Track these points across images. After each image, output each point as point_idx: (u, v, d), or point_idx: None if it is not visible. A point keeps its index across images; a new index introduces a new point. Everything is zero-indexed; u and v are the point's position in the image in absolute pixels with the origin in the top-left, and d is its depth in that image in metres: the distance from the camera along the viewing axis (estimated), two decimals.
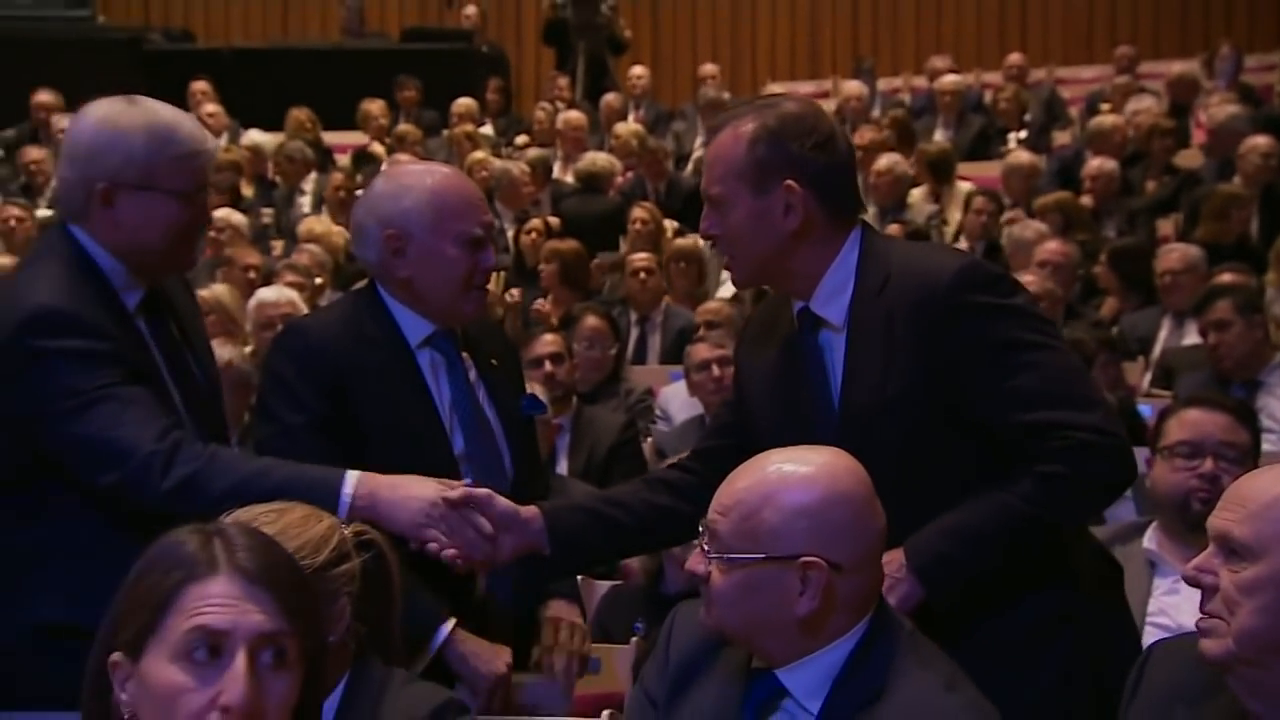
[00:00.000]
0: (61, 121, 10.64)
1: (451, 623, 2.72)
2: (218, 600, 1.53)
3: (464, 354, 2.93)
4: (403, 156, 9.77)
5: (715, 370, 5.17)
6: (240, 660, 1.51)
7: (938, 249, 2.67)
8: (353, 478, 2.54)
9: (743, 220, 2.51)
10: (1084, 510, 2.47)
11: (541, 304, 6.96)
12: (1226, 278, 5.83)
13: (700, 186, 2.62)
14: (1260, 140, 7.98)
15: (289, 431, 2.82)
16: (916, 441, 2.44)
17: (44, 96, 11.05)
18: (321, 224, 8.35)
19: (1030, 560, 2.43)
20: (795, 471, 2.11)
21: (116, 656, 1.56)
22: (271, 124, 10.82)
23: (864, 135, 9.34)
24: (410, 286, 2.85)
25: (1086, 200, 8.02)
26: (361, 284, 3.02)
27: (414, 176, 2.93)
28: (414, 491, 2.55)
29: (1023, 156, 8.65)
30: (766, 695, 2.14)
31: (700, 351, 5.30)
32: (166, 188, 2.68)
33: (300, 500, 2.28)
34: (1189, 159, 9.08)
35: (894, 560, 2.42)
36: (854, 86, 11.11)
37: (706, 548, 2.12)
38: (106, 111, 2.75)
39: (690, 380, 5.37)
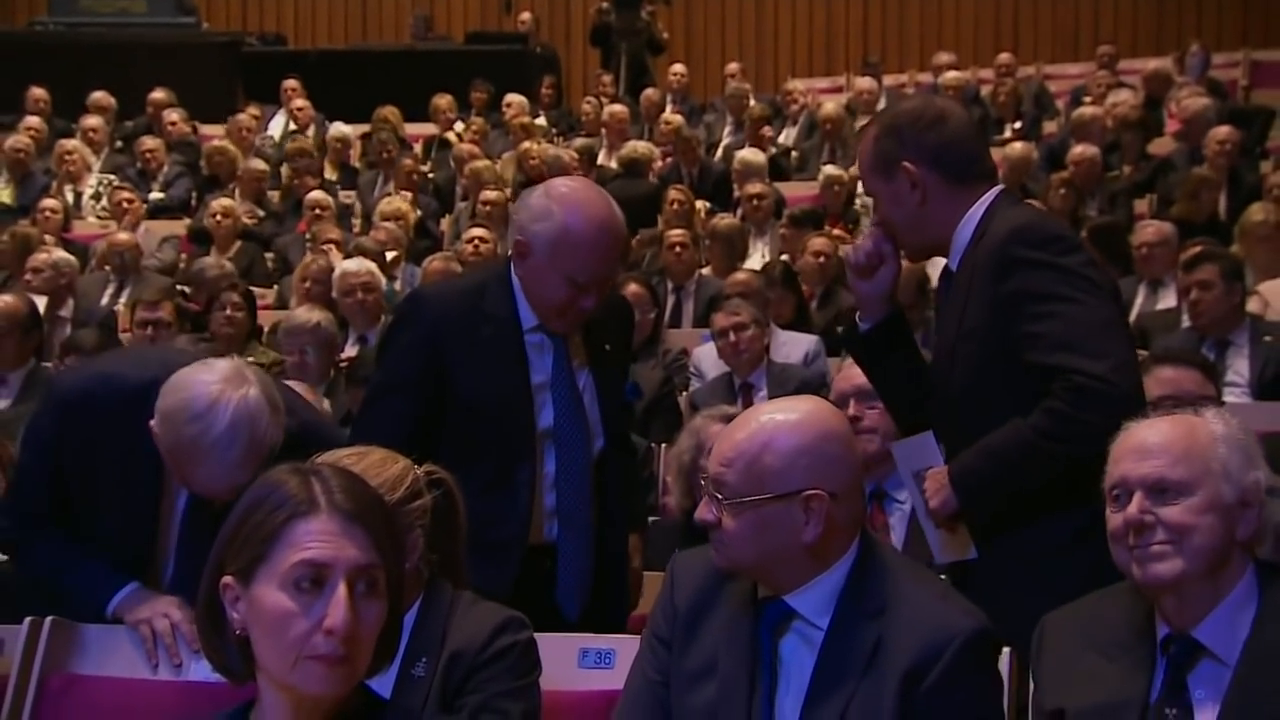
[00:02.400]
0: (171, 115, 10.71)
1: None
2: (320, 536, 1.54)
3: (576, 338, 2.90)
4: (465, 145, 9.79)
5: (732, 336, 5.15)
6: (341, 590, 1.52)
7: (1030, 213, 2.70)
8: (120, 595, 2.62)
9: (887, 206, 2.64)
10: (1079, 445, 2.40)
11: None
12: (1205, 248, 5.75)
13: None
14: (1223, 129, 7.92)
15: (379, 387, 2.89)
16: (980, 375, 2.52)
17: (158, 95, 11.06)
18: (399, 202, 8.32)
19: (1053, 483, 2.46)
20: (786, 419, 2.12)
21: (228, 579, 1.58)
22: (353, 116, 10.83)
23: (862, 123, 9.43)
24: (524, 284, 2.85)
25: (1075, 182, 7.92)
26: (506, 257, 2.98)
27: (562, 203, 2.82)
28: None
29: (1018, 148, 8.53)
30: (778, 618, 2.14)
31: (718, 320, 5.27)
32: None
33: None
34: (1162, 146, 8.98)
35: (942, 472, 2.51)
36: (865, 82, 11.04)
37: (718, 496, 2.12)
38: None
39: (715, 344, 5.36)
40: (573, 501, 2.86)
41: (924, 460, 2.59)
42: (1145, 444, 2.06)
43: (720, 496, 2.11)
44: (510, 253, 2.90)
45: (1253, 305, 5.54)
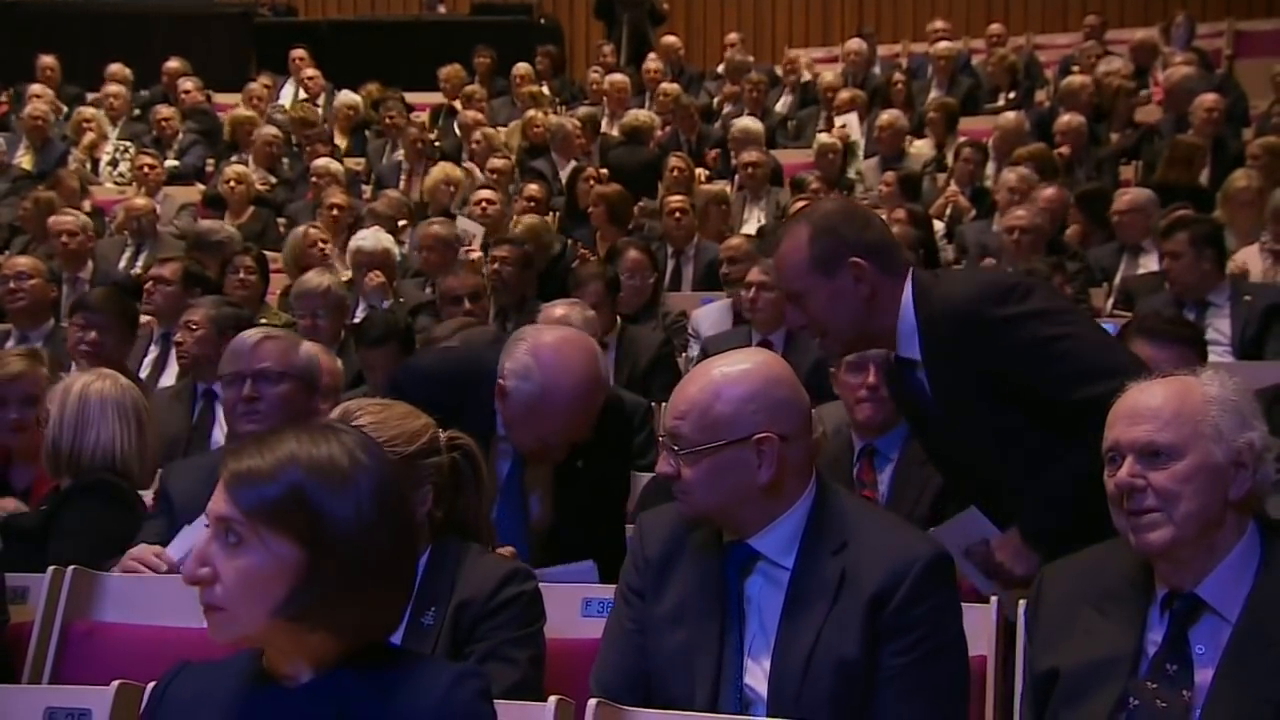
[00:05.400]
0: (186, 84, 10.65)
1: None
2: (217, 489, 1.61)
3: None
4: (470, 113, 9.73)
5: (752, 292, 5.05)
6: (207, 537, 1.59)
7: (963, 279, 2.73)
8: None
9: (824, 303, 2.57)
10: None
11: (584, 251, 6.93)
12: (1179, 215, 5.75)
13: (780, 290, 2.72)
14: (1209, 97, 7.88)
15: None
16: (996, 430, 2.54)
17: (173, 64, 10.99)
18: (443, 169, 8.11)
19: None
20: (734, 369, 2.18)
21: None
22: (361, 86, 10.78)
23: (844, 95, 9.48)
24: (501, 416, 2.83)
25: (1064, 150, 7.87)
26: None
27: (542, 366, 2.79)
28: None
29: (1010, 117, 8.47)
30: (743, 560, 2.19)
31: (751, 274, 5.15)
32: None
33: None
34: (1148, 114, 8.93)
35: (1010, 538, 2.55)
36: (854, 43, 10.93)
37: (675, 448, 2.16)
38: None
39: (741, 294, 5.25)
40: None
41: (973, 535, 2.62)
42: (1137, 408, 2.03)
43: (677, 448, 2.16)
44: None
45: (1234, 268, 5.54)
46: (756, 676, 2.13)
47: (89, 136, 9.54)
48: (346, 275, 6.12)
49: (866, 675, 2.07)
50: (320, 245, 6.40)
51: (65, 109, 10.21)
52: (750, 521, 2.17)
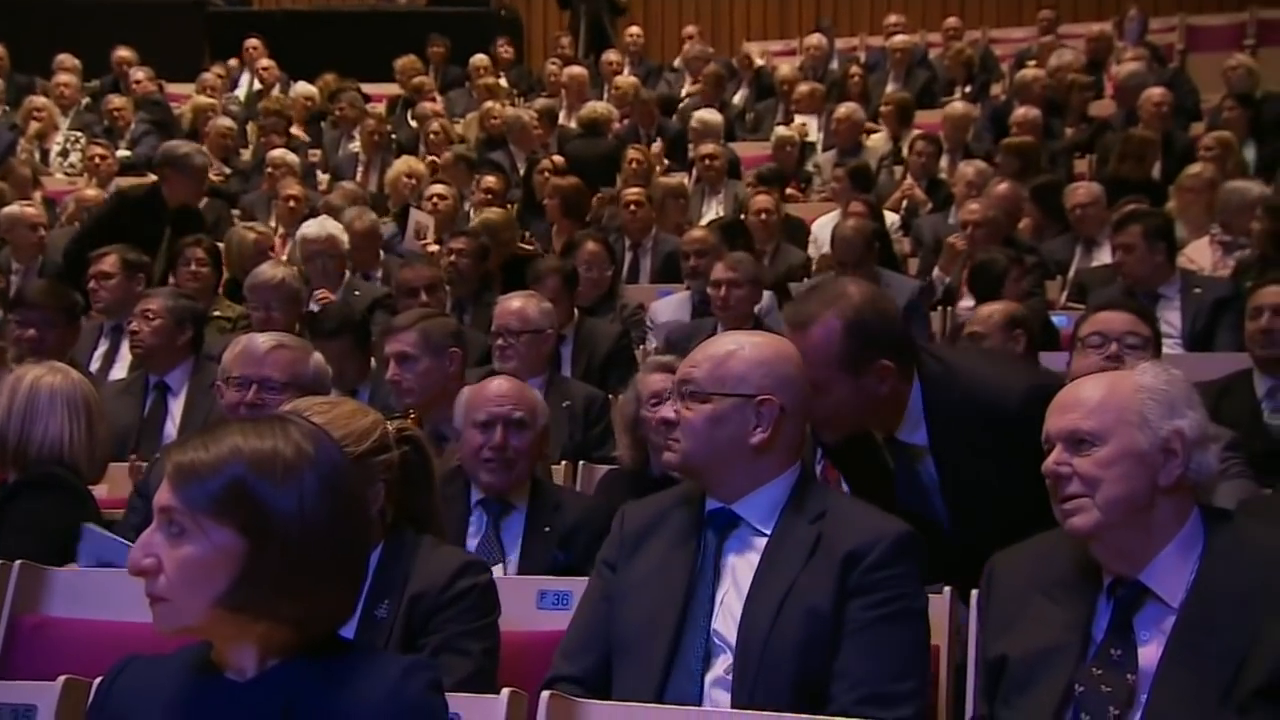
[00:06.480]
0: (137, 74, 10.53)
1: None
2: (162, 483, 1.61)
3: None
4: (428, 104, 9.67)
5: (723, 290, 5.09)
6: (151, 527, 1.59)
7: (993, 374, 2.69)
8: None
9: (845, 398, 2.55)
10: None
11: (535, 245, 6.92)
12: (1131, 208, 5.81)
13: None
14: (1157, 91, 7.98)
15: None
16: (1015, 507, 2.46)
17: (123, 52, 10.86)
18: (405, 162, 8.08)
19: None
20: (751, 338, 2.37)
21: None
22: (317, 77, 10.69)
23: (802, 89, 9.54)
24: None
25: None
26: None
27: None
28: None
29: (958, 108, 8.55)
30: (724, 524, 2.29)
31: (717, 270, 5.19)
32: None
33: None
34: (1102, 108, 9.01)
35: None
36: (814, 39, 10.98)
37: (682, 390, 2.30)
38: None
39: (710, 293, 5.24)
40: None
41: None
42: (1068, 399, 2.09)
43: (684, 390, 2.29)
44: None
45: (1184, 261, 5.60)
46: (727, 624, 2.20)
47: (36, 125, 9.41)
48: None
49: (834, 629, 2.15)
50: (270, 252, 6.33)
51: (6, 108, 10.06)
52: (734, 484, 2.27)
